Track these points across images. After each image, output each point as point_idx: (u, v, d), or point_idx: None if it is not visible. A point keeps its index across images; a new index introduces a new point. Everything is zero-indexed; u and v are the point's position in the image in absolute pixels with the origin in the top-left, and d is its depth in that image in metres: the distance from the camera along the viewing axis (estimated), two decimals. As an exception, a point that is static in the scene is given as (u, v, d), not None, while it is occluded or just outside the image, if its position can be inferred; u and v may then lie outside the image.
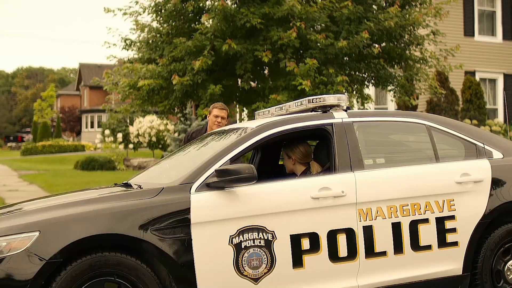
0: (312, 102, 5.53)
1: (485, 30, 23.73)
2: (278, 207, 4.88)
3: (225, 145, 5.14)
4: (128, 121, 36.15)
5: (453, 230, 5.30)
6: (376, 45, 13.67)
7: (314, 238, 4.92)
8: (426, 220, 5.23)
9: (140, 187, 5.12)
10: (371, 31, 13.12)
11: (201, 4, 13.69)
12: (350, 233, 5.02)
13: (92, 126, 64.63)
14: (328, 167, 5.41)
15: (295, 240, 4.87)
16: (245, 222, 4.77)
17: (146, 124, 29.99)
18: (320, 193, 4.98)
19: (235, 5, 13.71)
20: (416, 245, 5.18)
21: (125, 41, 15.32)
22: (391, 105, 22.32)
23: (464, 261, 5.33)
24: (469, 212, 5.36)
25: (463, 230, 5.32)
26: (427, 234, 5.23)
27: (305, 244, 4.89)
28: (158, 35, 14.73)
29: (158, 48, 14.48)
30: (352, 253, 5.01)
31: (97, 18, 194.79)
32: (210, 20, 13.29)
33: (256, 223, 4.80)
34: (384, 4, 14.74)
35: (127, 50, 15.45)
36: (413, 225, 5.19)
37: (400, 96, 15.46)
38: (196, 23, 14.28)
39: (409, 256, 5.17)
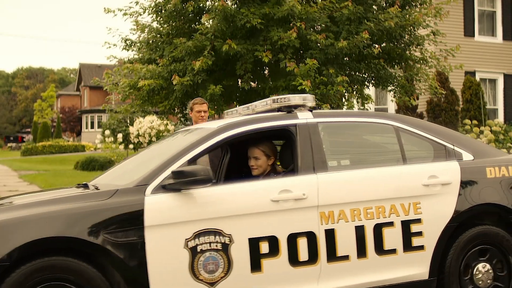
0: (277, 102, 5.44)
1: (485, 30, 23.73)
2: (236, 210, 4.77)
3: (183, 146, 5.02)
4: (128, 121, 36.12)
5: (419, 233, 5.19)
6: (376, 46, 13.65)
7: (273, 241, 4.81)
8: (391, 224, 5.12)
9: (96, 188, 4.98)
10: (371, 31, 13.11)
11: (201, 4, 13.68)
12: (311, 237, 4.91)
13: (92, 127, 64.68)
14: (292, 169, 5.28)
15: (254, 243, 4.76)
16: (202, 225, 4.65)
17: (146, 124, 29.96)
18: (280, 196, 4.86)
19: (235, 6, 13.70)
20: (380, 249, 5.09)
21: (125, 42, 15.31)
22: (391, 105, 22.33)
23: (430, 265, 5.23)
24: (437, 215, 5.27)
25: (430, 234, 5.23)
26: (392, 238, 5.13)
27: (264, 248, 4.78)
28: (158, 36, 14.73)
29: (158, 48, 14.48)
30: (313, 257, 4.91)
31: (97, 18, 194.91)
32: (210, 20, 13.29)
33: (212, 226, 4.67)
34: (384, 4, 14.73)
35: (127, 50, 15.45)
36: (378, 229, 5.08)
37: (400, 96, 15.46)
38: (196, 23, 14.27)
39: (373, 260, 5.06)
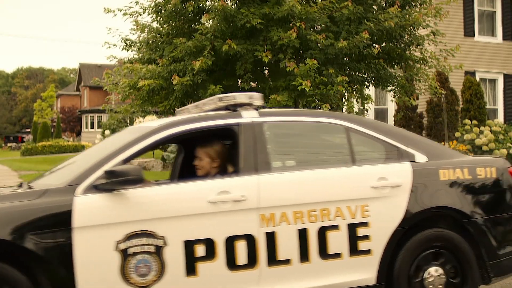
0: (223, 100, 5.29)
1: (485, 30, 23.73)
2: (171, 211, 4.61)
3: (120, 145, 4.85)
4: (128, 121, 36.16)
5: (366, 237, 4.99)
6: (376, 46, 13.66)
7: (210, 244, 4.64)
8: (336, 227, 4.93)
9: (30, 187, 4.86)
10: (371, 31, 13.11)
11: (201, 5, 13.69)
12: (250, 240, 4.73)
13: (92, 127, 64.66)
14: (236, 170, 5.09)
15: (189, 246, 4.59)
16: (134, 227, 4.48)
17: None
18: (218, 197, 4.71)
19: (235, 6, 13.70)
20: (324, 253, 4.89)
21: (125, 42, 15.32)
22: (391, 105, 22.33)
23: (378, 270, 5.02)
24: (385, 219, 5.06)
25: (378, 238, 5.02)
26: (337, 241, 4.93)
27: (200, 251, 4.61)
28: (158, 36, 14.74)
29: (158, 48, 14.48)
30: (252, 261, 4.74)
31: (97, 18, 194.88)
32: (210, 20, 13.30)
33: (145, 228, 4.51)
34: (384, 4, 14.74)
35: (127, 50, 15.46)
36: (322, 232, 4.89)
37: (400, 96, 15.47)
38: (196, 23, 14.28)
39: (316, 264, 4.88)
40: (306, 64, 12.54)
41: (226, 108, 5.32)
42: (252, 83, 14.30)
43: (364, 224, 5.01)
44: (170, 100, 14.02)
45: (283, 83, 13.23)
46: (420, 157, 5.38)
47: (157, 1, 14.23)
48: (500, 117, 23.41)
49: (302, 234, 4.86)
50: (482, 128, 20.66)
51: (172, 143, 5.22)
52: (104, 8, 14.91)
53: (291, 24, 12.71)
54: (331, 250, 4.92)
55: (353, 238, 4.98)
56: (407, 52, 14.96)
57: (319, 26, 13.91)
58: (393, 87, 15.46)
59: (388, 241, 5.04)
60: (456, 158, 5.62)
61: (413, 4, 14.87)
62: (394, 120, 22.31)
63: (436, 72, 18.24)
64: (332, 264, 4.93)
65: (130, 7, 14.89)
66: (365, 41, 13.05)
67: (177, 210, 4.62)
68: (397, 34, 13.84)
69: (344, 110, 15.47)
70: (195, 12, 13.90)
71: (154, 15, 14.47)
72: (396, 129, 5.83)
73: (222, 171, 5.33)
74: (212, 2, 13.63)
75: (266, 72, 14.86)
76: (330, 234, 4.93)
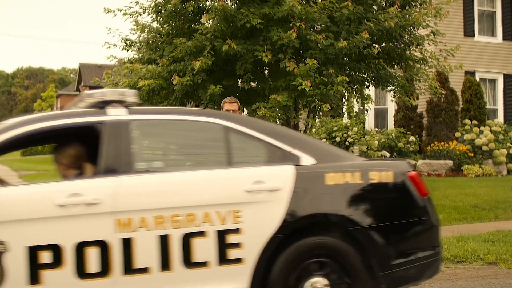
0: (92, 97, 4.91)
1: (485, 30, 23.73)
2: (13, 214, 4.26)
3: None
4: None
5: (237, 245, 4.60)
6: (376, 46, 13.65)
7: (56, 251, 4.28)
8: (202, 234, 4.55)
9: None
10: (371, 31, 13.11)
11: (201, 5, 13.68)
12: (103, 246, 4.38)
13: (92, 126, 64.63)
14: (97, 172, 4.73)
15: (33, 252, 4.23)
16: None
17: (146, 124, 29.98)
18: (69, 200, 4.35)
19: (235, 6, 13.70)
20: (188, 261, 4.52)
21: (125, 42, 15.32)
22: (391, 105, 22.32)
23: (252, 280, 4.63)
24: (260, 225, 4.66)
25: (251, 245, 4.63)
26: (204, 249, 4.56)
27: (45, 257, 4.25)
28: (158, 36, 14.74)
29: (158, 48, 14.48)
30: (105, 269, 4.37)
31: (97, 18, 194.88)
32: (210, 20, 13.29)
33: None
34: (384, 5, 14.74)
35: (127, 50, 15.47)
36: (186, 239, 4.52)
37: (400, 96, 15.47)
38: (196, 23, 14.28)
39: (179, 273, 4.51)
40: (306, 64, 12.54)
41: (95, 105, 4.92)
42: (252, 83, 14.30)
43: (236, 230, 4.62)
44: (170, 100, 14.02)
45: (283, 83, 13.23)
46: (307, 160, 4.97)
47: (157, 1, 14.23)
48: (500, 117, 23.40)
49: (164, 240, 4.49)
50: (482, 128, 20.68)
51: (35, 143, 5.23)
52: (104, 8, 14.91)
53: (291, 24, 12.71)
54: (197, 258, 4.55)
55: (223, 246, 4.59)
56: (407, 52, 14.96)
57: (319, 26, 13.90)
58: (393, 87, 15.46)
59: (263, 249, 4.64)
60: (349, 161, 5.19)
61: (413, 4, 14.87)
62: (394, 120, 22.31)
63: (436, 72, 18.24)
64: (198, 273, 4.56)
65: (130, 7, 14.90)
66: (365, 41, 13.05)
67: (21, 213, 4.28)
68: (397, 34, 13.84)
69: (344, 110, 15.49)
70: (195, 12, 13.89)
71: (154, 15, 14.47)
72: (283, 130, 5.38)
73: (82, 173, 4.96)
74: (212, 2, 13.62)
75: (266, 72, 14.86)
76: (196, 241, 4.55)
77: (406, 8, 14.53)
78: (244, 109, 14.95)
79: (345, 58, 14.11)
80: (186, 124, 5.07)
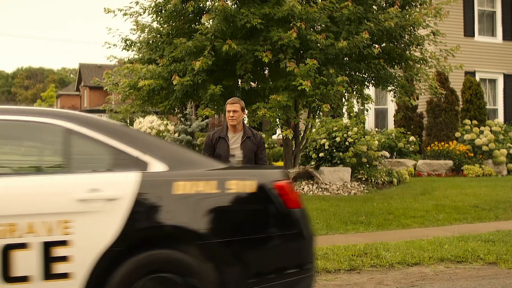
0: None
1: (485, 30, 23.72)
2: None
3: None
4: (128, 121, 36.15)
5: (65, 258, 4.18)
6: (376, 46, 13.65)
7: None
8: (24, 245, 4.12)
9: None
10: (371, 31, 13.11)
11: (201, 5, 13.68)
12: None
13: (92, 127, 64.57)
14: None
15: None
16: None
17: (146, 124, 29.99)
18: None
19: (235, 6, 13.70)
20: (7, 276, 4.10)
21: (125, 42, 15.32)
22: (391, 105, 22.32)
23: None
24: (93, 237, 4.24)
25: (81, 259, 4.20)
26: (26, 262, 4.11)
27: None
28: (158, 36, 14.74)
29: (158, 48, 14.48)
30: None
31: (97, 18, 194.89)
32: (210, 20, 13.29)
33: None
34: (384, 5, 14.73)
35: (127, 50, 15.46)
36: (5, 251, 4.09)
37: (400, 96, 15.46)
38: (197, 23, 14.28)
39: None
40: (306, 64, 12.54)
41: None
42: (252, 83, 14.30)
43: (63, 243, 4.19)
44: (170, 100, 14.02)
45: (283, 83, 13.23)
46: (157, 166, 4.53)
47: (157, 1, 14.22)
48: (500, 117, 23.40)
49: None
50: (482, 128, 20.68)
51: None
52: (104, 8, 14.91)
53: (291, 24, 12.71)
54: (17, 272, 4.11)
55: (48, 259, 4.16)
56: (407, 52, 14.95)
57: (319, 26, 13.90)
58: (393, 87, 15.46)
59: (96, 263, 4.22)
60: (208, 168, 4.73)
61: (413, 4, 14.86)
62: (394, 120, 22.31)
63: (436, 72, 18.24)
64: None
65: (130, 7, 14.90)
66: (365, 41, 13.05)
67: None
68: (397, 34, 13.83)
69: (344, 110, 15.48)
70: (195, 12, 13.89)
71: (154, 15, 14.47)
72: (134, 134, 4.88)
73: None
74: (212, 2, 13.62)
75: (266, 72, 14.85)
76: (17, 254, 4.11)
77: (406, 8, 14.53)
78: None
79: (345, 58, 14.11)
80: (19, 125, 4.57)
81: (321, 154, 16.43)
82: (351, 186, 15.16)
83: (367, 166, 16.39)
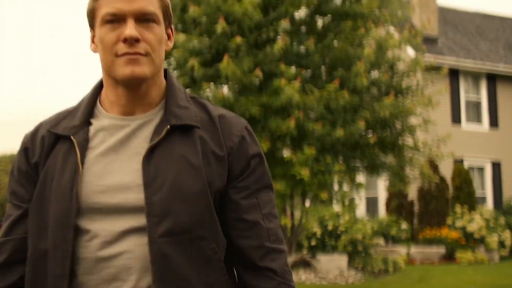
0: None
1: (472, 118, 24.15)
2: None
3: None
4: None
5: None
6: (372, 134, 13.76)
7: None
8: None
9: None
10: (366, 120, 13.22)
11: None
12: None
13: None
14: None
15: None
16: None
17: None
18: None
19: (234, 95, 13.82)
20: None
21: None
22: (382, 193, 22.40)
23: None
24: None
25: None
26: None
27: None
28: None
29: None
30: None
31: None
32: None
33: None
34: (377, 94, 14.91)
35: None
36: None
37: (394, 184, 15.49)
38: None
39: None
40: (304, 154, 12.55)
41: None
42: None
43: None
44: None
45: (281, 171, 13.22)
46: None
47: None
48: (489, 204, 23.54)
49: None
50: (473, 215, 20.74)
51: None
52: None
53: (289, 113, 12.78)
54: None
55: None
56: (400, 141, 15.06)
57: (314, 114, 13.99)
58: (387, 176, 15.50)
59: None
60: None
61: (406, 93, 15.09)
62: (386, 209, 22.28)
63: (428, 160, 18.39)
64: None
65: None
66: (361, 129, 13.14)
67: None
68: (390, 123, 13.98)
69: (334, 198, 15.39)
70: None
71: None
72: None
73: None
74: (212, 93, 13.69)
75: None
76: None
77: (399, 96, 14.72)
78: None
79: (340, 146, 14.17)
80: None
81: (313, 243, 16.30)
82: (348, 275, 15.00)
83: (363, 254, 16.27)
